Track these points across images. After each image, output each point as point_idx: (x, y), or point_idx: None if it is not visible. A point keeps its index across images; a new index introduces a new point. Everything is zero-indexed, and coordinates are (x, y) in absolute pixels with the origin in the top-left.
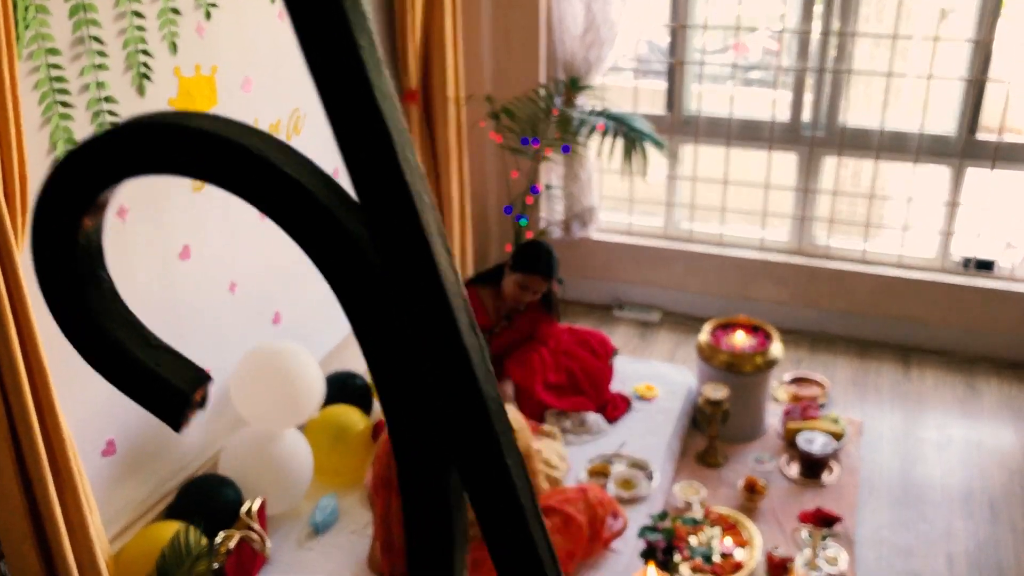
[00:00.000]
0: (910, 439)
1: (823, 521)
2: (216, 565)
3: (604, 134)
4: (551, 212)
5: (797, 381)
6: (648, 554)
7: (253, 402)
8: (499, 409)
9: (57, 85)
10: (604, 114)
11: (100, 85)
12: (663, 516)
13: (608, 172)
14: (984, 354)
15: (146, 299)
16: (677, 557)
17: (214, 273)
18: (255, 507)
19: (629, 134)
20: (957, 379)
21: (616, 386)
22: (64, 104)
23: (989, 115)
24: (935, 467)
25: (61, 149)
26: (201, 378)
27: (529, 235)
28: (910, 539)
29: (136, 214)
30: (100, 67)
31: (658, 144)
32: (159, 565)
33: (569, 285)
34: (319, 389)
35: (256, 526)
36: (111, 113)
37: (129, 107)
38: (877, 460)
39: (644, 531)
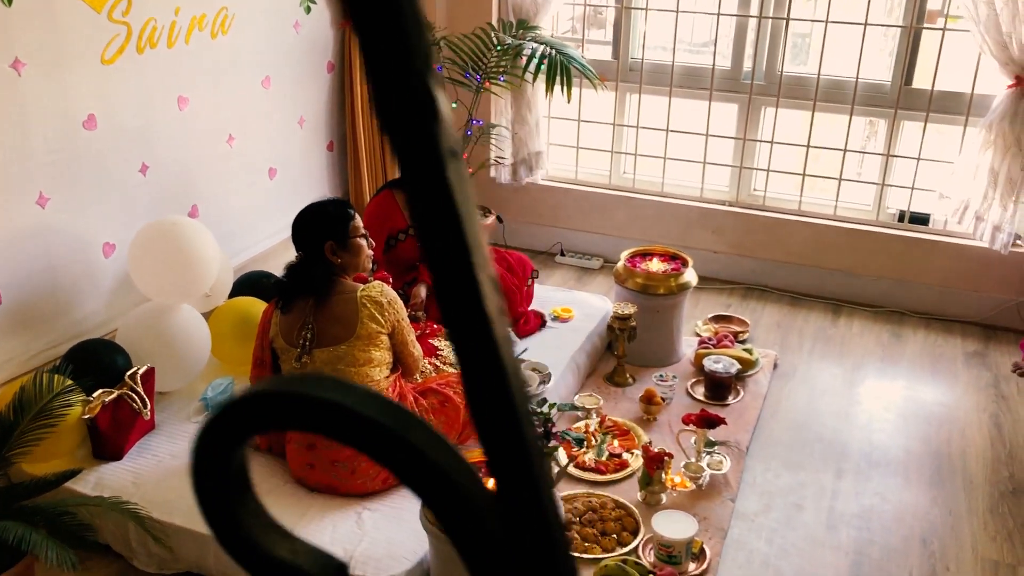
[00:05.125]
0: (823, 374)
1: (706, 422)
2: (87, 416)
3: (530, 59)
4: (499, 154)
5: (721, 319)
6: None
7: (147, 271)
8: None
9: None
10: (538, 40)
11: None
12: (542, 402)
13: (556, 119)
14: (914, 307)
15: (43, 164)
16: (553, 443)
17: (123, 150)
18: (140, 371)
19: (555, 58)
20: (884, 328)
21: (534, 308)
22: None
23: (924, 64)
24: (843, 399)
25: None
26: (337, 566)
27: (469, 170)
28: (803, 456)
29: (34, 69)
30: None
31: (586, 70)
32: (16, 397)
33: (514, 230)
34: (216, 264)
35: (139, 389)
36: None
37: None
38: (786, 389)
39: None
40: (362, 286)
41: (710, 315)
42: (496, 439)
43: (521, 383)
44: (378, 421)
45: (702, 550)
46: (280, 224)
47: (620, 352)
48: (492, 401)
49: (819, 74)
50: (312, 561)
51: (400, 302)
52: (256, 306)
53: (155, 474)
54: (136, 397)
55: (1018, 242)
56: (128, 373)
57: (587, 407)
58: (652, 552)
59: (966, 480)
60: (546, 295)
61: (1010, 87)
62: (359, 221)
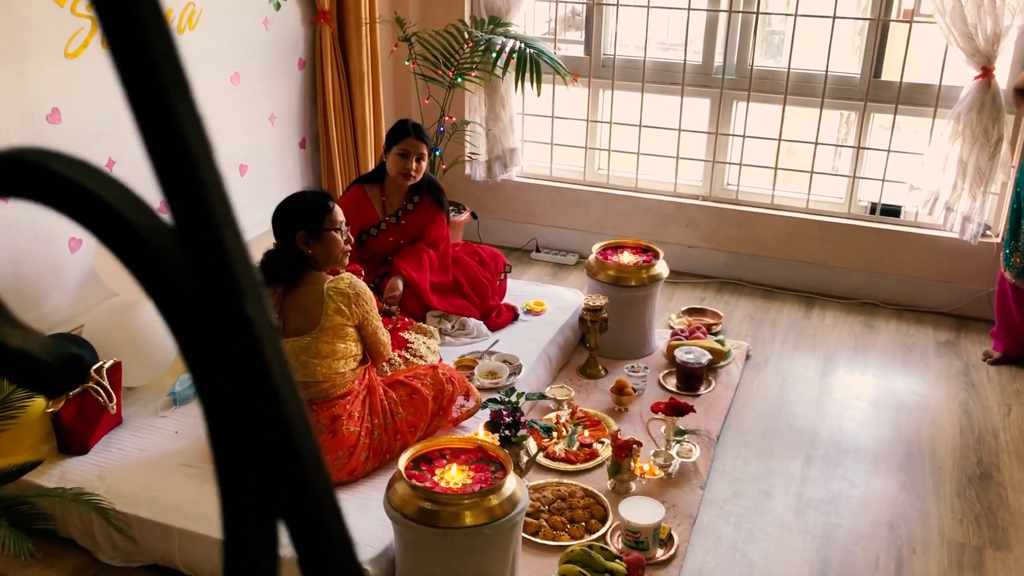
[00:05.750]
0: (795, 365)
1: (675, 410)
2: (51, 410)
3: (499, 52)
4: (476, 156)
5: (694, 312)
6: (491, 426)
7: (112, 264)
8: (304, 426)
9: None
10: (509, 35)
11: None
12: (510, 392)
13: (530, 116)
14: (887, 298)
15: None
16: (522, 432)
17: (89, 144)
18: (107, 366)
19: (524, 52)
20: (857, 320)
21: (507, 301)
22: None
23: (893, 57)
24: (814, 389)
25: None
26: (73, 355)
27: (443, 166)
28: (773, 444)
29: None
30: None
31: (556, 64)
32: None
33: (489, 227)
34: None
35: (104, 383)
36: None
37: None
38: (758, 379)
39: (488, 403)
40: (331, 278)
41: (683, 308)
42: (169, 174)
43: (197, 123)
44: (71, 179)
45: (670, 536)
46: (252, 221)
47: (592, 344)
48: (160, 140)
49: (789, 68)
50: (45, 349)
51: (370, 294)
52: None
53: (121, 468)
54: (102, 391)
55: (987, 232)
56: (94, 367)
57: (558, 398)
58: (620, 538)
59: (935, 466)
60: (519, 289)
61: (977, 78)
62: (338, 214)
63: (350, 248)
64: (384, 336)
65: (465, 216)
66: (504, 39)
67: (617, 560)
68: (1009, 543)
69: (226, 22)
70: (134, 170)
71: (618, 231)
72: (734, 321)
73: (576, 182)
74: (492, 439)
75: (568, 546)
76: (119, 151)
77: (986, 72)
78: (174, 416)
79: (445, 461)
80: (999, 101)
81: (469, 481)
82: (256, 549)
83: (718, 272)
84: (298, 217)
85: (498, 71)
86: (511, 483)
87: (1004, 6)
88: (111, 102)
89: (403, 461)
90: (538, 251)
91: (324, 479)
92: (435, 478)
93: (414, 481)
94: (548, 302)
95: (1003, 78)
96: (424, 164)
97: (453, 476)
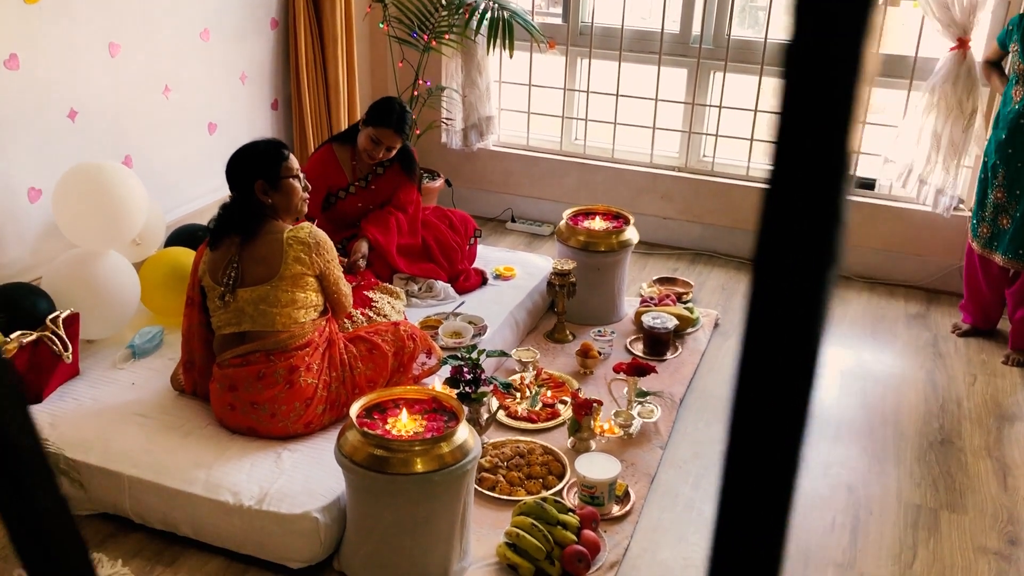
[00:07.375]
0: None
1: (637, 370)
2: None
3: (472, 12)
4: (451, 122)
5: (665, 281)
6: (451, 382)
7: (70, 214)
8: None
9: None
10: None
11: None
12: (471, 348)
13: (507, 83)
14: (860, 271)
15: None
16: (482, 389)
17: (49, 93)
18: (63, 315)
19: (498, 14)
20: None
21: (477, 266)
22: None
23: None
24: None
25: None
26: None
27: (416, 131)
28: None
29: None
30: None
31: (530, 26)
32: None
33: (465, 196)
34: (144, 210)
35: (60, 333)
36: None
37: None
38: (725, 347)
39: (448, 359)
40: (290, 227)
41: (655, 277)
42: None
43: None
44: None
45: (627, 492)
46: (221, 180)
47: (560, 309)
48: None
49: (766, 38)
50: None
51: (330, 244)
52: (189, 257)
53: (74, 417)
54: (57, 340)
55: (960, 206)
56: (50, 317)
57: (523, 360)
58: (576, 494)
59: (897, 432)
60: (490, 255)
61: (952, 49)
62: (294, 162)
63: (308, 196)
64: (346, 287)
65: (439, 183)
66: (478, 1)
67: (570, 513)
68: (965, 506)
69: None
70: (96, 121)
71: (594, 202)
72: (705, 291)
73: (553, 152)
74: (451, 394)
75: (524, 500)
76: (80, 102)
77: (962, 43)
78: (132, 369)
79: (398, 410)
80: (974, 73)
81: (421, 429)
82: None
83: (693, 244)
84: (254, 166)
85: (471, 33)
86: (463, 432)
87: None
88: (72, 51)
89: (355, 409)
90: (513, 221)
91: None
92: (387, 426)
93: (365, 429)
94: (518, 267)
95: (979, 50)
96: (393, 153)
97: (405, 424)
